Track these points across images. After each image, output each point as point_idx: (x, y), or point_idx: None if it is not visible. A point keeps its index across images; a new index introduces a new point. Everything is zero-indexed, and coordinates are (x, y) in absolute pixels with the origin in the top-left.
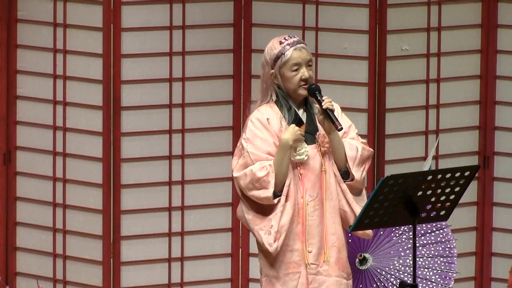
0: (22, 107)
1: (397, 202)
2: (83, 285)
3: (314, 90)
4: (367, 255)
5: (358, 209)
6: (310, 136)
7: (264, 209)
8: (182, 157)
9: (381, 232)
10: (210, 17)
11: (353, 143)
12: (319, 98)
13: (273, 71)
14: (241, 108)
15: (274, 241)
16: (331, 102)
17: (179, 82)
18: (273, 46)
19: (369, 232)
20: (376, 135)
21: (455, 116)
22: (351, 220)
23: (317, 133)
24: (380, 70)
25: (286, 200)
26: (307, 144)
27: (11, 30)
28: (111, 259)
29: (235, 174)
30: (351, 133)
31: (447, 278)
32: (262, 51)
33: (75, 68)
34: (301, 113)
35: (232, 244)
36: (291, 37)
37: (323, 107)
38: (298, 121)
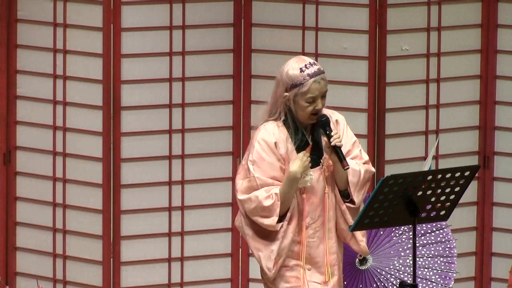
0: (22, 107)
1: (397, 202)
2: (83, 285)
3: (323, 124)
4: (367, 255)
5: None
6: (315, 158)
7: (264, 231)
8: (182, 157)
9: (381, 232)
10: (210, 17)
11: (356, 167)
12: (328, 132)
13: (287, 94)
14: (241, 108)
15: (273, 266)
16: (340, 138)
17: (179, 82)
18: (292, 71)
19: (365, 249)
20: (376, 135)
21: (455, 116)
22: (349, 239)
23: (323, 157)
24: (380, 70)
25: (288, 224)
26: (312, 165)
27: (11, 30)
28: (111, 259)
29: (240, 197)
30: (355, 151)
31: (447, 278)
32: (262, 51)
33: (75, 68)
34: (308, 135)
35: (232, 244)
36: (312, 65)
37: (332, 144)
38: (304, 143)
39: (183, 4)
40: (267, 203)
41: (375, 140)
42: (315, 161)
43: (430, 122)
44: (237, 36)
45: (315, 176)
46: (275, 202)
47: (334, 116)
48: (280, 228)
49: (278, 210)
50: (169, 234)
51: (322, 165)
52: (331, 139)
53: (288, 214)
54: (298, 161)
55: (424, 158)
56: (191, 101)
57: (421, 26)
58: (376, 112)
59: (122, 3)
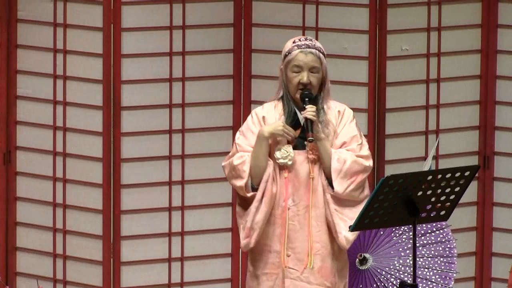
0: (22, 107)
1: (397, 202)
2: (83, 285)
3: (303, 96)
4: (367, 255)
5: (338, 221)
6: (302, 141)
7: (245, 204)
8: (182, 157)
9: (381, 232)
10: (210, 17)
11: (344, 155)
12: (304, 105)
13: (282, 67)
14: (241, 108)
15: (245, 237)
16: (314, 112)
17: (179, 82)
18: (287, 43)
19: (341, 243)
20: (376, 135)
21: (455, 116)
22: (333, 231)
23: (307, 140)
24: (380, 70)
25: (262, 197)
26: (299, 149)
27: (11, 30)
28: (111, 259)
29: (222, 164)
30: (352, 144)
31: (447, 278)
32: (262, 51)
33: (75, 68)
34: (302, 117)
35: (232, 244)
36: (306, 39)
37: (302, 115)
38: (295, 124)
39: (183, 4)
40: (237, 162)
41: (375, 140)
42: (300, 143)
43: (430, 122)
44: (237, 36)
45: (299, 158)
46: (245, 162)
47: (339, 107)
48: (254, 198)
49: (247, 172)
50: (169, 234)
51: (307, 148)
52: (304, 111)
53: (262, 185)
54: (272, 123)
55: (424, 158)
56: (191, 101)
57: (421, 26)
58: (376, 112)
59: (122, 3)
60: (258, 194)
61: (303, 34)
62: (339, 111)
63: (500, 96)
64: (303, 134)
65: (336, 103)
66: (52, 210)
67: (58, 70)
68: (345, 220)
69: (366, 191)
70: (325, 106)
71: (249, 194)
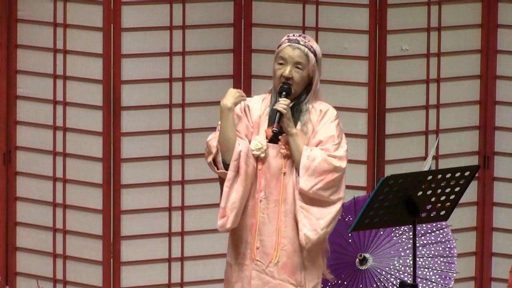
0: (22, 107)
1: (397, 202)
2: (83, 285)
3: (280, 90)
4: (367, 255)
5: (301, 218)
6: (275, 133)
7: (222, 186)
8: (182, 157)
9: (381, 232)
10: (210, 17)
11: (314, 153)
12: (279, 98)
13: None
14: None
15: (220, 217)
16: (285, 106)
17: (179, 82)
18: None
19: (302, 240)
20: (376, 135)
21: (455, 116)
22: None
23: (283, 135)
24: (380, 70)
25: (235, 176)
26: (271, 140)
27: (11, 30)
28: (111, 259)
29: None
30: (328, 144)
31: (447, 278)
32: (262, 51)
33: (75, 68)
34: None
35: None
36: (300, 36)
37: (273, 106)
38: (275, 116)
39: (183, 4)
40: (209, 138)
41: (375, 140)
42: (274, 136)
43: (430, 122)
44: (237, 36)
45: (272, 152)
46: (215, 138)
47: (323, 107)
48: (226, 178)
49: (215, 145)
50: (169, 234)
51: (280, 142)
52: (276, 104)
53: (234, 163)
54: (228, 93)
55: (424, 158)
56: (191, 101)
57: (421, 26)
58: (376, 112)
59: (122, 3)
60: (230, 173)
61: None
62: (321, 110)
63: (500, 96)
64: (280, 130)
65: (322, 104)
66: (52, 210)
67: (58, 70)
68: (310, 219)
69: (341, 194)
70: (309, 106)
71: (218, 171)
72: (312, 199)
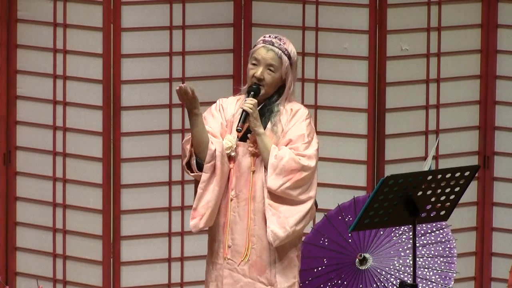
0: (22, 107)
1: (397, 202)
2: (83, 285)
3: (249, 90)
4: (367, 255)
5: (269, 215)
6: (245, 132)
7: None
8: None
9: (381, 232)
10: (210, 17)
11: (282, 152)
12: (246, 98)
13: None
14: None
15: (191, 218)
16: (251, 106)
17: (179, 82)
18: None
19: (269, 237)
20: (376, 135)
21: (455, 116)
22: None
23: (251, 133)
24: (380, 70)
25: (211, 177)
26: (241, 139)
27: (11, 30)
28: (111, 259)
29: None
30: (297, 143)
31: (447, 278)
32: None
33: (75, 68)
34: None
35: None
36: (275, 38)
37: (240, 106)
38: (244, 116)
39: (183, 4)
40: (184, 141)
41: (375, 140)
42: (243, 135)
43: (430, 122)
44: (237, 36)
45: (241, 150)
46: (188, 140)
47: (294, 107)
48: (200, 180)
49: (188, 147)
50: (169, 234)
51: (248, 140)
52: (243, 103)
53: (207, 165)
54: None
55: (424, 158)
56: None
57: (421, 26)
58: (376, 112)
59: (122, 3)
60: (204, 175)
61: (303, 34)
62: (291, 109)
63: (500, 96)
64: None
65: (294, 104)
66: (52, 210)
67: (58, 70)
68: (278, 216)
69: (312, 193)
70: (281, 107)
71: (192, 174)
72: (280, 198)
